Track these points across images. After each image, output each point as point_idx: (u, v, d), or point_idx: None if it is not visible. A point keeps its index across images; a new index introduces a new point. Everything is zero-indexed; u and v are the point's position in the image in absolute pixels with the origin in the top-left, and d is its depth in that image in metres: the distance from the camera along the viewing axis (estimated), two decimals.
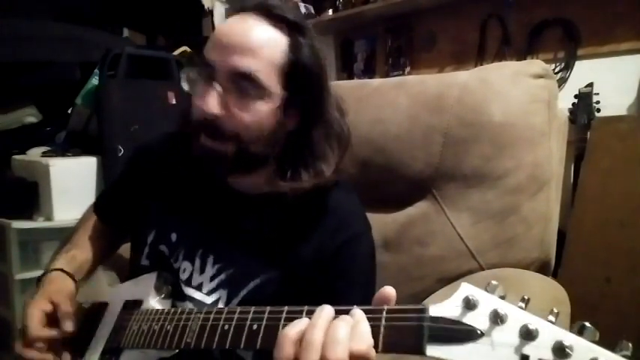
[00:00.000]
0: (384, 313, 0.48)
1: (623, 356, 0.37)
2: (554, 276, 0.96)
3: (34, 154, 2.13)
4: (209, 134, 0.70)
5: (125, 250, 1.00)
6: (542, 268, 0.91)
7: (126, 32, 2.87)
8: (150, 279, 0.79)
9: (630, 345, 0.37)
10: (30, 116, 2.27)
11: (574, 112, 1.75)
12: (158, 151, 0.89)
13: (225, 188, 0.80)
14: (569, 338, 0.38)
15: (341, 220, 0.78)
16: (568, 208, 1.62)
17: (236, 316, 0.59)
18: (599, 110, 1.73)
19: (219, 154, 0.71)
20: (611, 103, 1.73)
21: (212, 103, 0.68)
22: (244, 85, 0.68)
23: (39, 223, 1.94)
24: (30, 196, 1.97)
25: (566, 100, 1.76)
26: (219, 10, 2.82)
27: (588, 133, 1.71)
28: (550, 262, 0.93)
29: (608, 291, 1.47)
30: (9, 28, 2.13)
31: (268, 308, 0.56)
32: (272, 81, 0.70)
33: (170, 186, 0.85)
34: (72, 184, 1.95)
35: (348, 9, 2.50)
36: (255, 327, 0.56)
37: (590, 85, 1.76)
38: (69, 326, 0.76)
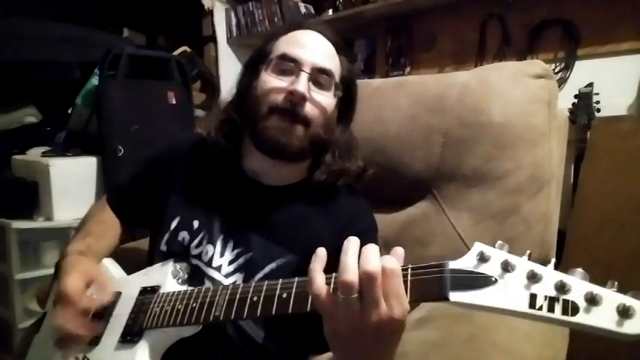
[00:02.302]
0: (410, 270, 0.54)
1: (611, 290, 0.44)
2: None
3: (34, 154, 2.13)
4: (285, 114, 0.79)
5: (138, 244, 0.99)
6: None
7: (126, 32, 2.87)
8: (166, 266, 0.81)
9: (616, 283, 0.45)
10: (30, 116, 2.27)
11: (574, 112, 1.75)
12: (187, 148, 0.95)
13: (248, 180, 0.87)
14: (568, 278, 0.46)
15: (355, 214, 0.86)
16: (568, 208, 1.62)
17: (264, 288, 0.62)
18: (599, 110, 1.73)
19: (290, 134, 0.79)
20: (611, 103, 1.73)
21: (304, 84, 0.79)
22: (322, 77, 0.82)
23: (39, 223, 1.94)
24: (30, 196, 1.97)
25: (566, 100, 1.76)
26: (219, 10, 2.82)
27: (588, 133, 1.71)
28: (550, 262, 0.93)
29: None
30: (9, 28, 2.12)
31: (297, 279, 0.60)
32: (336, 82, 0.84)
33: (196, 179, 0.90)
34: (72, 184, 1.95)
35: (348, 9, 2.50)
36: (285, 295, 0.59)
37: (590, 85, 1.76)
38: (108, 296, 0.79)
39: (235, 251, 0.82)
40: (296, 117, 0.79)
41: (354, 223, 0.84)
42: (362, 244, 0.80)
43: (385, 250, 1.00)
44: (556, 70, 1.91)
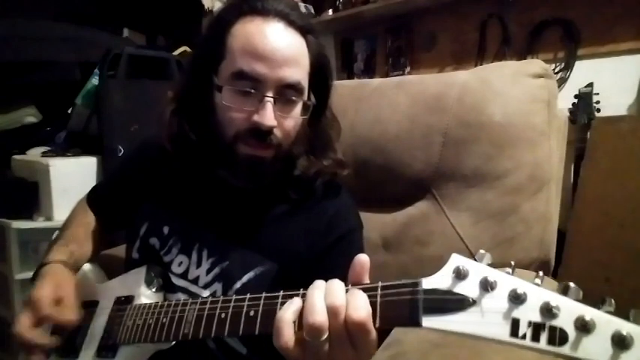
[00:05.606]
0: (379, 289, 0.49)
1: (607, 312, 0.39)
2: (554, 276, 0.96)
3: (34, 154, 2.13)
4: (254, 143, 0.72)
5: (118, 250, 0.99)
6: (542, 268, 0.90)
7: (126, 32, 2.87)
8: (139, 273, 0.79)
9: (613, 301, 0.39)
10: (30, 116, 2.27)
11: (574, 112, 1.75)
12: (158, 148, 0.87)
13: (220, 183, 0.79)
14: (556, 299, 0.40)
15: (336, 216, 0.80)
16: (568, 208, 1.62)
17: (232, 304, 0.59)
18: (599, 110, 1.73)
19: (261, 160, 0.73)
20: (611, 103, 1.73)
21: (270, 116, 0.70)
22: (290, 93, 0.73)
23: (39, 223, 1.94)
24: (30, 196, 1.97)
25: (566, 100, 1.76)
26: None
27: (588, 133, 1.71)
28: (550, 262, 0.93)
29: (608, 291, 1.46)
30: (9, 28, 2.13)
31: (264, 294, 0.57)
32: (306, 84, 0.75)
33: (166, 181, 0.86)
34: (72, 184, 1.95)
35: (348, 9, 2.50)
36: (252, 313, 0.56)
37: (590, 85, 1.76)
38: (70, 318, 0.74)
39: (210, 260, 0.77)
40: (263, 142, 0.72)
41: (335, 226, 0.79)
42: (342, 249, 0.78)
43: (385, 249, 1.01)
44: (556, 70, 1.91)
